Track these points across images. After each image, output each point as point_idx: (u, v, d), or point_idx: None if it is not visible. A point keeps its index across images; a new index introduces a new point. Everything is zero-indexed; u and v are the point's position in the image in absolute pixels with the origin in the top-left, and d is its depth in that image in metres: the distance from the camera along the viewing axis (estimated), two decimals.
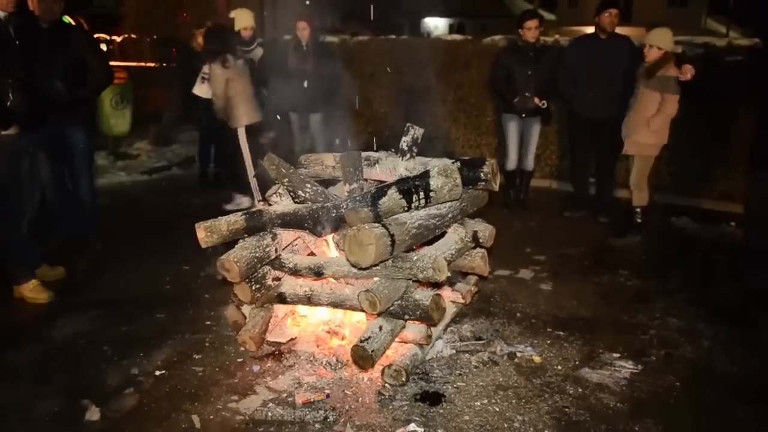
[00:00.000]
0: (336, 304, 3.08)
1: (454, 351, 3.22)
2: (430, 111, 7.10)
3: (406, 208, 2.81)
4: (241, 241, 3.08)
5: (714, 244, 5.05)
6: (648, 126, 4.70)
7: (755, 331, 3.55)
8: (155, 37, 12.89)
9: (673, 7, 33.10)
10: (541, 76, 5.37)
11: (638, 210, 5.01)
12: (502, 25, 26.55)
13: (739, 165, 5.86)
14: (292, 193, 3.09)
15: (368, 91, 7.49)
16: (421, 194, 2.79)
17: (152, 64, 11.90)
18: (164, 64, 10.97)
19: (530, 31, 5.29)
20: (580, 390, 2.90)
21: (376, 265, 2.71)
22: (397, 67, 7.29)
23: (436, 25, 41.13)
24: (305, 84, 6.01)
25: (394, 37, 7.80)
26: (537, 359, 3.17)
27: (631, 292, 4.07)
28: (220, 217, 3.08)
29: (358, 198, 2.87)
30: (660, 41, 4.67)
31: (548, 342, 3.36)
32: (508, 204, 5.84)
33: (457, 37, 7.46)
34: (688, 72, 4.45)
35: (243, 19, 6.09)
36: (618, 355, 3.24)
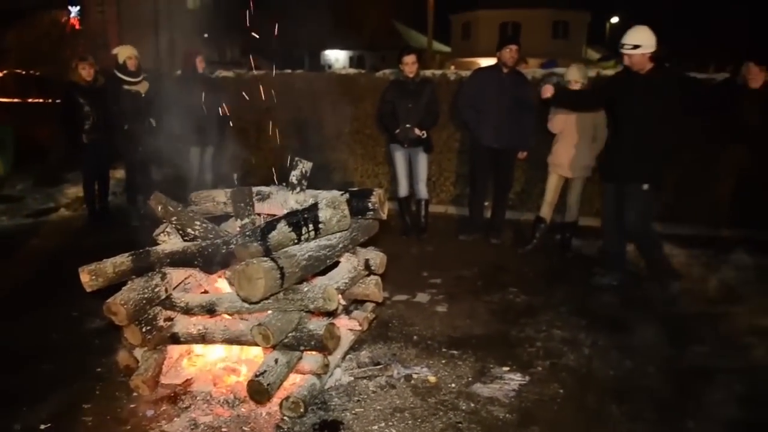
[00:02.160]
0: (231, 341, 3.06)
1: (353, 378, 3.27)
2: (328, 143, 7.25)
3: (296, 241, 2.87)
4: (129, 282, 3.01)
5: (594, 258, 5.46)
6: (591, 150, 5.24)
7: (629, 336, 3.87)
8: (38, 73, 12.27)
9: (557, 39, 35.54)
10: (420, 108, 5.65)
11: (574, 223, 5.58)
12: None
13: None
14: (180, 232, 3.07)
15: (265, 124, 7.52)
16: (311, 226, 2.86)
17: (38, 100, 11.31)
18: (50, 100, 10.48)
19: (408, 66, 5.58)
20: (472, 405, 3.04)
21: (267, 299, 2.74)
22: (294, 100, 7.39)
23: (337, 57, 41.77)
24: (200, 118, 6.00)
25: (289, 71, 7.89)
26: (432, 379, 3.29)
27: (520, 307, 4.31)
28: (105, 260, 3.00)
29: (248, 233, 2.90)
30: (582, 76, 5.21)
31: (443, 361, 3.49)
32: (405, 230, 6.03)
33: (351, 71, 7.68)
34: (547, 91, 4.76)
35: (125, 51, 6.11)
36: (507, 368, 3.42)
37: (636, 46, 4.14)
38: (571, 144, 5.22)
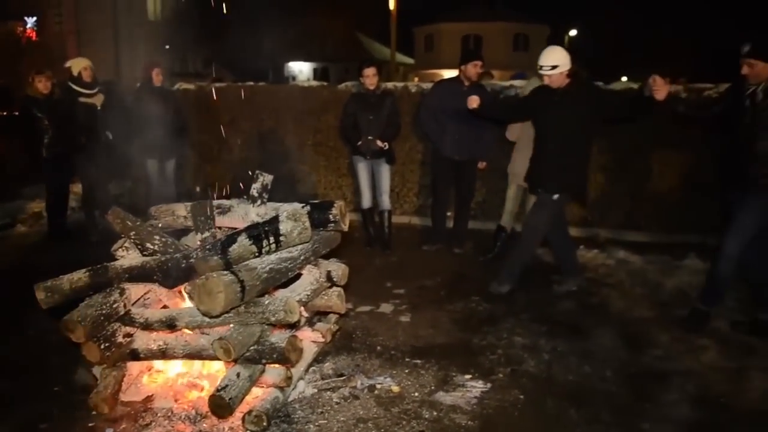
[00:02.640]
0: (193, 356, 3.04)
1: (316, 390, 3.28)
2: (291, 155, 7.25)
3: (257, 254, 2.88)
4: (87, 298, 2.97)
5: (554, 265, 5.57)
6: None
7: (587, 341, 3.96)
8: None
9: (517, 52, 36.25)
10: (382, 120, 5.72)
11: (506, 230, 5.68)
12: None
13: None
14: (139, 246, 3.04)
15: (228, 137, 7.50)
16: (272, 239, 2.87)
17: None
18: (5, 113, 10.24)
19: (368, 78, 5.64)
20: (435, 413, 3.07)
21: (228, 313, 2.73)
22: (257, 113, 7.39)
23: (301, 69, 41.73)
24: (159, 130, 5.96)
25: (252, 83, 7.88)
26: (395, 389, 3.31)
27: (482, 316, 4.38)
28: (61, 276, 2.95)
29: (208, 247, 2.89)
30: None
31: (406, 371, 3.52)
32: (369, 241, 6.07)
33: (313, 83, 7.71)
34: (473, 102, 4.94)
35: (79, 62, 6.03)
36: (470, 376, 3.47)
37: (554, 67, 4.33)
38: (527, 154, 5.33)
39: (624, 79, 20.34)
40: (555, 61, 4.33)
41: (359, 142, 5.73)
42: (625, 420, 3.06)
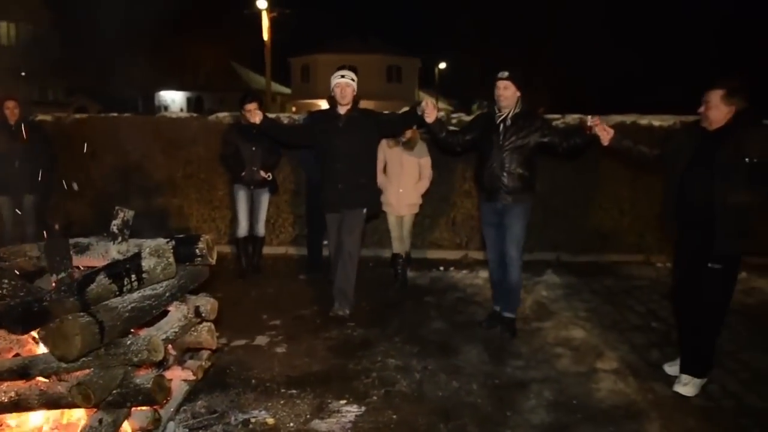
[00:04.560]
0: (50, 405, 2.83)
1: (188, 430, 3.19)
2: (160, 188, 7.01)
3: (117, 293, 2.78)
4: None
5: (427, 287, 5.83)
6: (416, 189, 5.65)
7: (456, 358, 4.18)
8: None
9: (391, 83, 37.58)
10: (264, 151, 5.80)
11: (407, 255, 5.89)
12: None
13: (440, 217, 6.91)
14: None
15: (90, 170, 7.11)
16: (133, 276, 2.79)
17: None
18: None
19: (250, 113, 5.64)
20: None
21: (86, 356, 2.61)
22: (122, 145, 7.07)
23: (173, 98, 40.42)
24: (15, 165, 5.59)
25: (116, 114, 7.54)
26: (270, 421, 3.30)
27: (357, 341, 4.48)
28: None
29: (63, 288, 2.75)
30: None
31: (282, 402, 3.52)
32: (243, 273, 6.01)
33: (182, 114, 7.54)
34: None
35: None
36: (345, 401, 3.54)
37: (353, 80, 4.87)
38: (397, 184, 5.57)
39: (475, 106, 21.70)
40: (354, 76, 4.85)
41: (243, 173, 5.78)
42: (489, 428, 3.27)
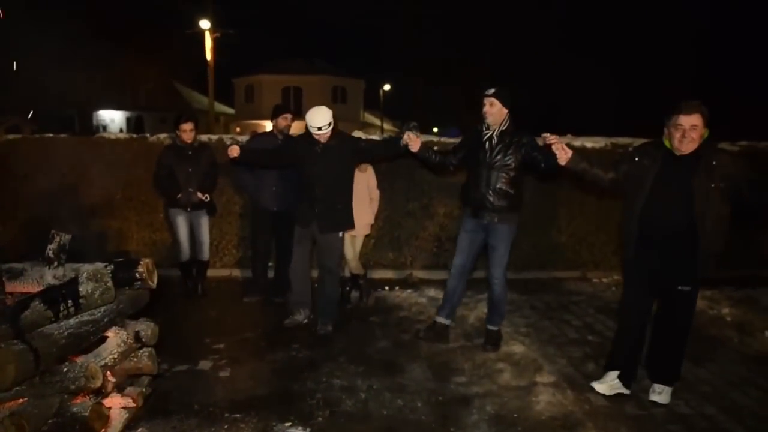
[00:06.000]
0: None
1: None
2: (98, 211, 6.83)
3: (53, 319, 2.71)
4: None
5: (372, 307, 5.87)
6: (371, 209, 5.77)
7: (400, 376, 4.23)
8: None
9: (337, 104, 37.81)
10: (201, 173, 5.76)
11: (364, 275, 5.97)
12: None
13: (385, 237, 7.00)
14: None
15: (22, 194, 6.86)
16: (70, 302, 2.74)
17: None
18: None
19: (186, 133, 5.66)
20: None
21: (20, 385, 2.53)
22: (57, 167, 6.87)
23: (112, 118, 39.32)
24: None
25: (51, 135, 7.31)
26: None
27: (303, 363, 4.46)
28: None
29: None
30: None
31: (225, 427, 3.47)
32: (187, 296, 5.90)
33: (121, 135, 7.38)
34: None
35: None
36: (290, 423, 3.53)
37: (330, 124, 4.81)
38: (358, 208, 5.62)
39: (435, 129, 22.19)
40: (326, 120, 4.78)
41: (179, 195, 5.70)
42: None
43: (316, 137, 4.83)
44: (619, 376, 3.97)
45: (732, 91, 26.45)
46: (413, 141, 4.75)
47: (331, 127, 4.82)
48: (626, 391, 3.95)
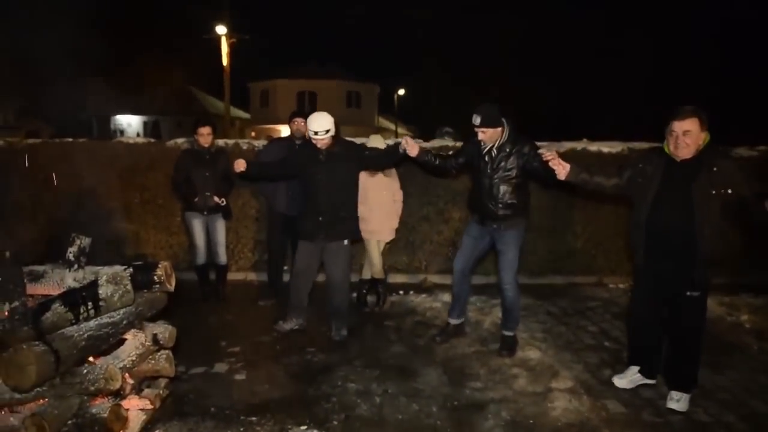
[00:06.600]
0: None
1: None
2: (116, 215, 6.91)
3: (73, 321, 2.75)
4: None
5: (386, 312, 5.87)
6: (396, 214, 5.80)
7: (415, 381, 4.23)
8: None
9: (351, 108, 37.92)
10: (218, 177, 5.79)
11: (383, 280, 5.96)
12: None
13: (399, 241, 6.99)
14: None
15: (42, 197, 6.96)
16: (90, 305, 2.77)
17: None
18: None
19: (203, 137, 5.71)
20: None
21: (41, 386, 2.57)
22: (76, 170, 6.96)
23: (129, 122, 39.83)
24: None
25: (70, 139, 7.42)
26: None
27: (318, 366, 4.48)
28: None
29: (17, 317, 2.70)
30: (378, 143, 5.73)
31: (241, 430, 3.50)
32: (204, 299, 5.95)
33: (139, 140, 7.47)
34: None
35: None
36: (305, 427, 3.54)
37: (328, 131, 4.80)
38: (379, 213, 5.65)
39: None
40: (327, 125, 4.78)
41: (196, 198, 5.74)
42: None
43: (315, 142, 4.85)
44: (640, 371, 4.02)
45: (755, 95, 26.10)
46: (411, 146, 4.75)
47: (330, 134, 4.81)
48: (651, 381, 4.00)
